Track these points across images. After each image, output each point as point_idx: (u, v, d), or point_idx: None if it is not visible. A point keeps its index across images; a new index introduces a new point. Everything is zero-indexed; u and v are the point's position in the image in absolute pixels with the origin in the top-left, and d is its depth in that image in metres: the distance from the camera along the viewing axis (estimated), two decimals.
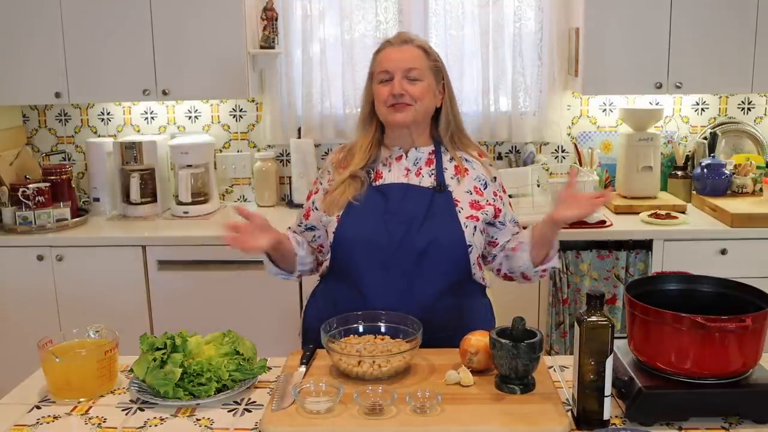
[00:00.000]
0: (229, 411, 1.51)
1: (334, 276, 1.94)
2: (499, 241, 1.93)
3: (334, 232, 1.87)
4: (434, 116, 1.95)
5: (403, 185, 1.89)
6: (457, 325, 1.81)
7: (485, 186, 1.92)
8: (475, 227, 1.86)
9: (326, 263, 1.95)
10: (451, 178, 1.91)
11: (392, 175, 1.91)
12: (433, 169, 1.91)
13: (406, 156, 1.93)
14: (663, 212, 3.01)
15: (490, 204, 1.90)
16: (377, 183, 1.91)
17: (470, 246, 1.85)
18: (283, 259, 1.91)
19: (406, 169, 1.92)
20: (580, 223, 2.93)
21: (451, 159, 1.94)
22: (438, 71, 1.93)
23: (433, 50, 1.95)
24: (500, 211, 1.92)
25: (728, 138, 3.43)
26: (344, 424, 1.41)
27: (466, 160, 1.95)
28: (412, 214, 1.84)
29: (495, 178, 1.96)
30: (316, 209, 1.96)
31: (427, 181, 1.90)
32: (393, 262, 1.82)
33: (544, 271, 1.88)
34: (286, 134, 3.43)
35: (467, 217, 1.85)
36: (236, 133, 3.51)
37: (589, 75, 3.08)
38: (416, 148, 1.93)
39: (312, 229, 1.99)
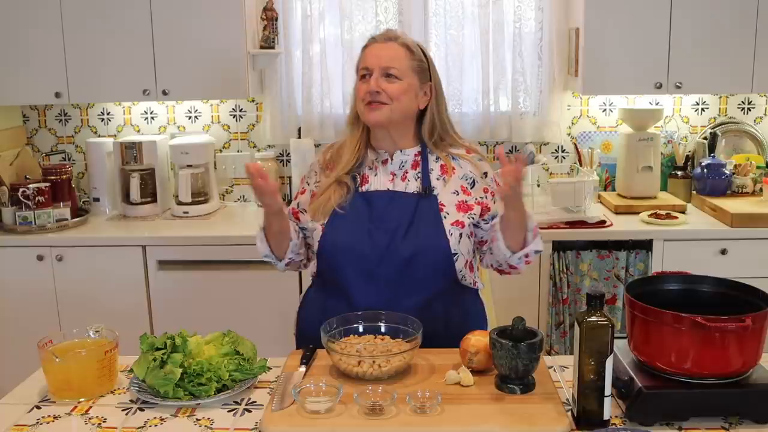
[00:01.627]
0: (229, 411, 1.51)
1: (322, 282, 1.93)
2: (486, 240, 1.90)
3: (319, 241, 1.86)
4: (420, 117, 1.91)
5: (388, 192, 1.87)
6: (446, 331, 1.80)
7: (473, 184, 1.89)
8: (460, 234, 1.84)
9: (313, 266, 1.95)
10: (437, 179, 1.88)
11: (378, 179, 1.90)
12: (419, 173, 1.89)
13: (392, 160, 1.91)
14: (663, 212, 3.01)
15: (478, 203, 1.87)
16: (363, 188, 1.89)
17: (456, 254, 1.83)
18: (279, 237, 1.88)
19: (391, 174, 1.90)
20: (580, 223, 2.94)
21: (438, 159, 1.91)
22: (423, 71, 1.88)
23: (418, 49, 1.89)
24: (488, 209, 1.88)
25: (728, 138, 3.43)
26: (344, 424, 1.41)
27: (454, 158, 1.92)
28: (397, 221, 1.82)
29: (486, 173, 1.92)
30: (304, 211, 1.95)
31: (413, 185, 1.88)
32: (378, 271, 1.81)
33: (527, 256, 1.82)
34: (286, 134, 3.43)
35: (453, 224, 1.83)
36: (236, 133, 3.51)
37: (589, 75, 3.08)
38: (401, 151, 1.91)
39: (303, 229, 1.98)
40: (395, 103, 1.83)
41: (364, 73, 1.85)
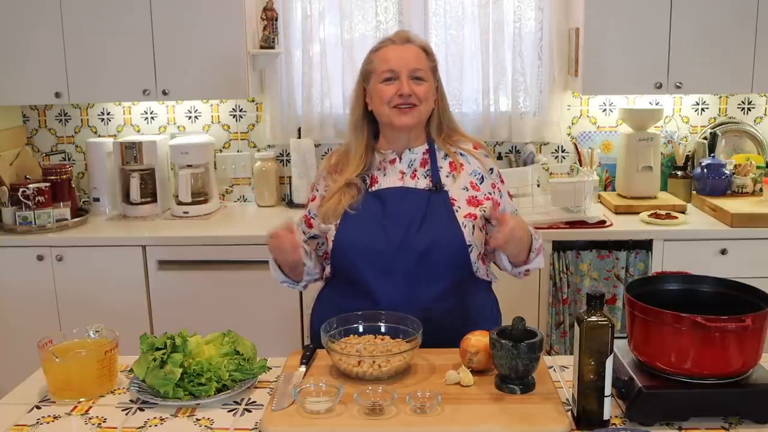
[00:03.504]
0: (229, 411, 1.51)
1: (337, 282, 1.93)
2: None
3: (333, 240, 1.87)
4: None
5: (399, 189, 1.88)
6: (463, 323, 1.81)
7: (482, 180, 1.91)
8: (473, 226, 1.85)
9: (328, 269, 1.95)
10: (447, 176, 1.90)
11: (387, 179, 1.90)
12: (428, 170, 1.90)
13: (400, 159, 1.92)
14: (663, 212, 3.01)
15: (488, 198, 1.89)
16: (373, 188, 1.89)
17: (470, 245, 1.84)
18: (292, 268, 1.91)
19: (401, 172, 1.91)
20: (580, 223, 2.93)
21: (446, 156, 1.92)
22: (435, 72, 1.92)
23: (432, 50, 1.94)
24: (498, 204, 1.90)
25: (728, 138, 3.43)
26: (344, 424, 1.41)
27: (461, 154, 1.94)
28: (410, 216, 1.83)
29: (492, 169, 1.94)
30: (315, 217, 1.96)
31: (423, 182, 1.89)
32: (394, 266, 1.81)
33: (527, 271, 1.89)
34: (286, 134, 3.42)
35: (465, 216, 1.85)
36: (236, 133, 3.51)
37: (589, 75, 3.08)
38: (410, 150, 1.92)
39: (315, 237, 1.99)
40: (424, 104, 1.86)
41: (389, 77, 1.84)
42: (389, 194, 1.88)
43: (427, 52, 1.91)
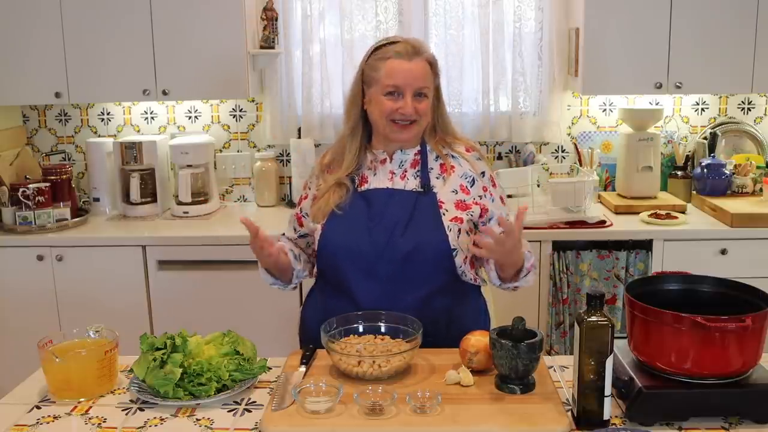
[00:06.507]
0: (229, 411, 1.51)
1: (324, 282, 1.94)
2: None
3: (318, 240, 1.87)
4: None
5: (386, 190, 1.88)
6: (448, 327, 1.81)
7: (472, 183, 1.89)
8: (459, 230, 1.83)
9: (316, 267, 1.96)
10: (437, 178, 1.89)
11: (377, 179, 1.90)
12: (418, 171, 1.89)
13: (391, 159, 1.91)
14: (663, 212, 3.01)
15: (476, 203, 1.87)
16: (362, 188, 1.89)
17: (455, 249, 1.83)
18: (280, 272, 1.92)
19: (390, 172, 1.90)
20: (580, 223, 2.93)
21: (437, 157, 1.92)
22: (437, 80, 1.90)
23: (437, 63, 1.89)
24: (486, 210, 1.89)
25: (728, 138, 3.43)
26: (344, 424, 1.41)
27: (453, 156, 1.92)
28: (395, 219, 1.83)
29: (483, 173, 1.92)
30: (306, 215, 1.96)
31: (412, 183, 1.88)
32: (378, 269, 1.81)
33: (516, 287, 1.86)
34: (286, 134, 3.43)
35: (451, 220, 1.83)
36: (236, 133, 3.51)
37: (589, 75, 3.08)
38: (402, 150, 1.91)
39: (306, 236, 1.99)
40: (423, 119, 1.86)
41: (392, 90, 1.81)
42: (376, 195, 1.87)
43: (432, 65, 1.87)
